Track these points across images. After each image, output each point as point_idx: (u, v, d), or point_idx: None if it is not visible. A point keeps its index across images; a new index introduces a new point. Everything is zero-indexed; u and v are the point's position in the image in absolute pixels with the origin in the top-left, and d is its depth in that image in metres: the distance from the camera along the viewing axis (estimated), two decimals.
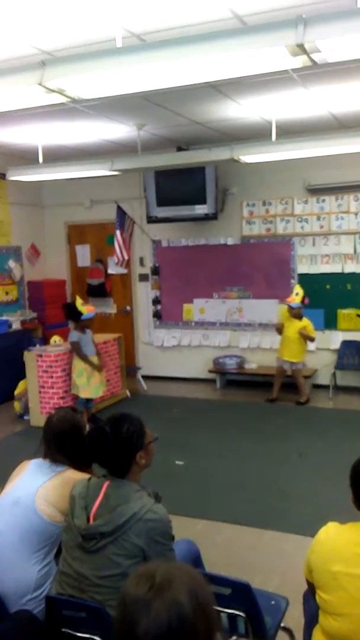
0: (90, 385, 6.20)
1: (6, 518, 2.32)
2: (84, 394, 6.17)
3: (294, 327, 6.66)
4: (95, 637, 1.97)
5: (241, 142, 6.31)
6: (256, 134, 6.44)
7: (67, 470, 2.43)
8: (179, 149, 7.02)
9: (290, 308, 6.62)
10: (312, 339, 6.72)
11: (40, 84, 2.89)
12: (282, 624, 2.33)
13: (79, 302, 6.25)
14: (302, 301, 6.63)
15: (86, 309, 6.19)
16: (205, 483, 4.70)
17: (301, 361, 6.78)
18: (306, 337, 6.66)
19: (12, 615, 2.19)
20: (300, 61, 2.63)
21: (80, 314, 6.13)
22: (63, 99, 3.19)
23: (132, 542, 1.94)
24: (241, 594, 2.06)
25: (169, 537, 2.01)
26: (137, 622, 1.06)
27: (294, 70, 4.05)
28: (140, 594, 1.09)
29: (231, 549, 3.67)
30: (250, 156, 5.57)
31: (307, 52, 2.51)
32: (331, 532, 1.97)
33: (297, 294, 6.63)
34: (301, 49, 2.47)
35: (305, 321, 6.68)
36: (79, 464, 2.45)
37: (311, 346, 7.03)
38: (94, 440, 2.13)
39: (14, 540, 2.28)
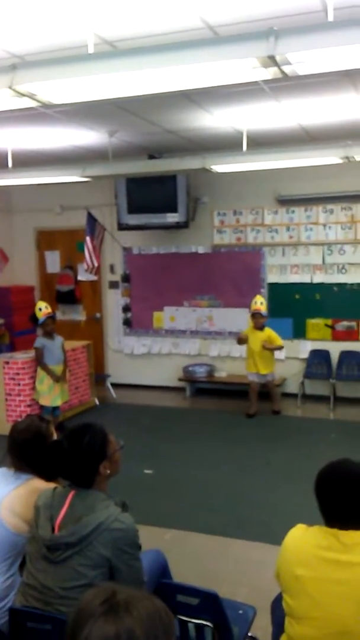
0: (51, 393, 6.09)
1: None
2: (43, 402, 6.08)
3: (257, 339, 6.53)
4: None
5: (213, 151, 6.36)
6: (228, 144, 6.49)
7: (33, 479, 2.39)
8: (151, 156, 7.03)
9: (261, 316, 6.48)
10: (279, 348, 6.62)
11: (10, 88, 2.86)
12: (249, 634, 2.33)
13: (37, 307, 6.15)
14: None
15: (42, 314, 6.06)
16: (174, 492, 4.68)
17: (271, 372, 6.69)
18: (272, 349, 6.57)
19: None
20: (271, 73, 2.66)
21: (37, 319, 6.06)
22: (34, 104, 3.16)
23: (98, 552, 1.91)
24: (209, 603, 2.05)
25: (136, 546, 1.99)
26: (82, 629, 1.03)
27: (265, 82, 4.10)
28: (95, 604, 1.06)
29: (199, 558, 3.65)
30: (222, 166, 5.62)
31: (278, 64, 2.54)
32: (297, 535, 1.96)
33: (261, 303, 6.54)
34: (272, 60, 2.50)
35: (268, 331, 6.55)
36: (44, 474, 2.41)
37: (280, 355, 7.02)
38: (53, 455, 2.10)
39: None
